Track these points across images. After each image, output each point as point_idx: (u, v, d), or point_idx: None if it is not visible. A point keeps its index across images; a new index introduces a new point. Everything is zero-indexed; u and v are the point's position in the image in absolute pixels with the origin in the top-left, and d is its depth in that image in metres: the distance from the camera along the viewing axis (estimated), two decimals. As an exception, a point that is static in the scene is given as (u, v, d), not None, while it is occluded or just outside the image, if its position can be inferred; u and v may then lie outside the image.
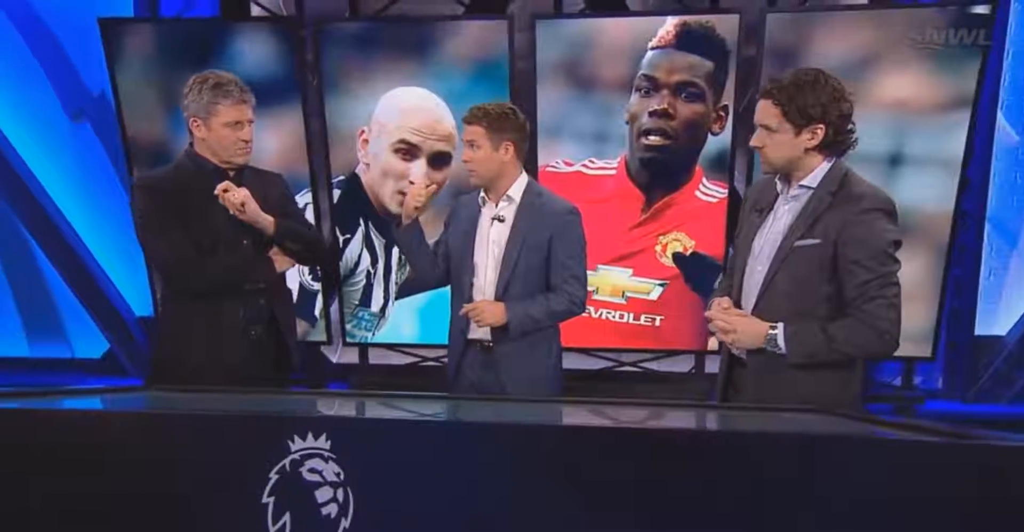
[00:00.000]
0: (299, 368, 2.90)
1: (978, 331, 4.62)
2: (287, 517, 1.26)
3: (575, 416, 1.89)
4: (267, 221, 2.65)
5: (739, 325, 2.18)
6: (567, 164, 4.43)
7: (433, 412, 1.89)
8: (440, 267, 2.90)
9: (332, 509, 1.24)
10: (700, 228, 4.42)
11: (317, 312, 4.68)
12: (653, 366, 4.78)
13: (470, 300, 2.81)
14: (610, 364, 4.82)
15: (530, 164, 4.41)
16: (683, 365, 4.77)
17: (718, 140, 4.32)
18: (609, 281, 4.51)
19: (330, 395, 2.56)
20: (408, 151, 4.43)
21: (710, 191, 4.38)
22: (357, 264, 4.57)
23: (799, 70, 2.21)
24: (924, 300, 4.31)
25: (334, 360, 5.03)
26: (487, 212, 2.84)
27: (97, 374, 5.05)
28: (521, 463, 1.29)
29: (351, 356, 4.92)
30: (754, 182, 2.46)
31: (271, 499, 1.26)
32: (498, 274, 2.77)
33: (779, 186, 2.27)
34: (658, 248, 4.45)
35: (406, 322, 4.67)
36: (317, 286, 4.64)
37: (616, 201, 4.42)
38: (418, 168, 4.45)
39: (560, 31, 4.28)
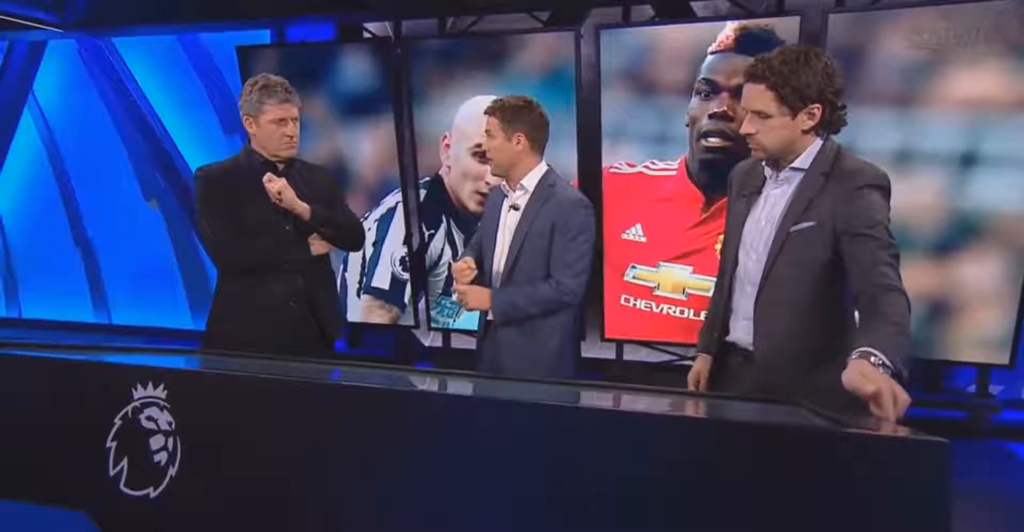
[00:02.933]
0: (335, 340, 2.85)
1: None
2: (124, 462, 1.19)
3: (466, 388, 1.67)
4: (303, 208, 2.63)
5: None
6: (629, 165, 4.16)
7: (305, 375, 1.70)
8: None
9: (163, 457, 1.15)
10: (760, 227, 4.01)
11: (406, 299, 4.69)
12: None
13: (488, 284, 2.67)
14: (673, 358, 4.48)
15: (594, 165, 4.21)
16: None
17: (778, 141, 3.90)
18: (671, 278, 4.20)
19: (339, 362, 2.43)
20: (484, 155, 4.31)
21: (770, 191, 3.96)
22: (440, 257, 4.53)
23: (786, 49, 1.80)
24: (1001, 305, 3.69)
25: (426, 343, 5.02)
26: (507, 201, 2.69)
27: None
28: (356, 424, 1.13)
29: (437, 340, 4.89)
30: (735, 167, 2.09)
31: (113, 444, 1.19)
32: (505, 259, 2.60)
33: (767, 170, 1.90)
34: (718, 247, 4.08)
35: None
36: (406, 276, 4.65)
37: (677, 201, 4.11)
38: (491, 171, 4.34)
39: (623, 40, 4.04)
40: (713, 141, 3.94)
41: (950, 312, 3.77)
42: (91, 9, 4.90)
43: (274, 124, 2.62)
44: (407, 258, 4.58)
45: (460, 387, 1.72)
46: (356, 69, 4.49)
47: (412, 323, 4.74)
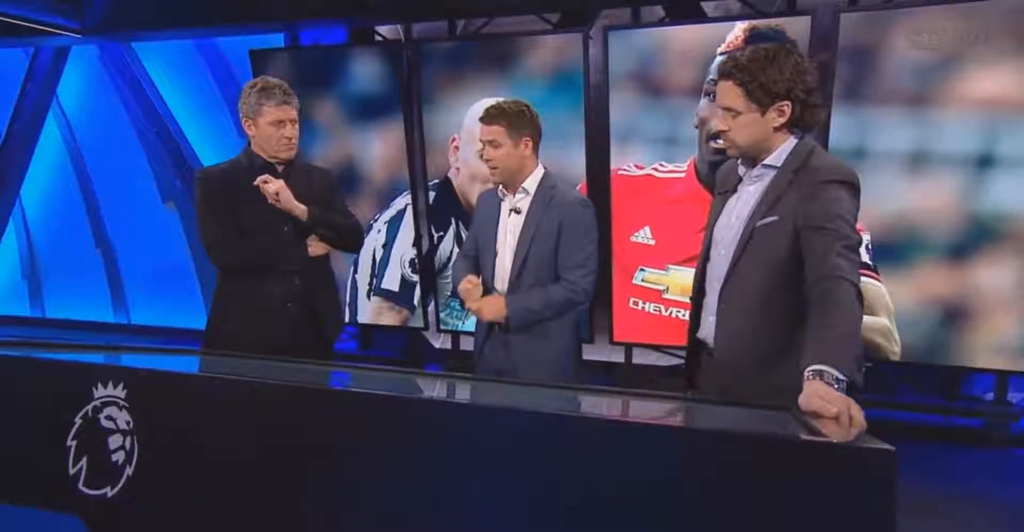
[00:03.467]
0: (334, 341, 2.85)
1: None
2: (84, 461, 1.17)
3: (431, 388, 1.64)
4: (301, 209, 2.62)
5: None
6: (638, 167, 4.11)
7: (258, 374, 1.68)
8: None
9: (120, 456, 1.14)
10: (770, 230, 3.93)
11: (416, 301, 4.67)
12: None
13: (491, 289, 2.64)
14: (683, 362, 4.41)
15: (602, 167, 4.17)
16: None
17: (789, 143, 3.83)
18: (679, 281, 4.13)
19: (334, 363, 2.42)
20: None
21: (780, 194, 3.88)
22: (449, 258, 4.52)
23: (758, 47, 1.79)
24: (1020, 310, 3.58)
25: (436, 345, 5.00)
26: (506, 205, 2.66)
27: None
28: (316, 425, 1.11)
29: (447, 342, 4.87)
30: (722, 166, 2.06)
31: (73, 443, 1.18)
32: (511, 262, 2.57)
33: (741, 168, 1.88)
34: (727, 249, 4.02)
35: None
36: (416, 278, 4.64)
37: (686, 203, 4.05)
38: (501, 172, 4.32)
39: (631, 41, 3.99)
40: (722, 143, 3.84)
41: (967, 317, 3.66)
42: (109, 14, 4.97)
43: (272, 126, 2.62)
44: (416, 260, 4.57)
45: (430, 388, 1.69)
46: (366, 72, 4.49)
47: (422, 325, 4.72)
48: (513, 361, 2.55)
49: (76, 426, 1.20)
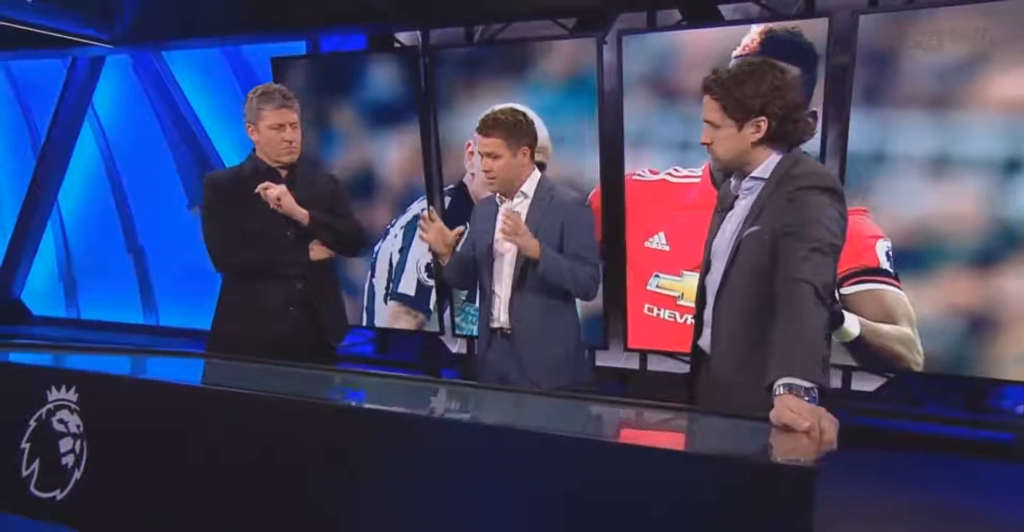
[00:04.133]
0: (337, 345, 2.85)
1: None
2: (36, 464, 1.18)
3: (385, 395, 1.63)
4: (302, 214, 2.63)
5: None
6: (652, 173, 4.05)
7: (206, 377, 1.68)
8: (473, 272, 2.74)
9: (70, 459, 1.15)
10: (786, 236, 3.84)
11: (432, 306, 4.68)
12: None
13: (491, 294, 2.62)
14: (698, 369, 4.33)
15: (616, 172, 4.12)
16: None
17: (806, 147, 3.72)
18: (694, 287, 4.04)
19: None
20: (506, 163, 4.29)
21: (797, 199, 3.79)
22: (464, 264, 4.51)
23: (743, 61, 1.81)
24: (1049, 320, 3.43)
25: (453, 350, 5.00)
26: (502, 208, 2.64)
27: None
28: (259, 431, 1.10)
29: (464, 347, 4.86)
30: (722, 185, 2.05)
31: (27, 445, 1.19)
32: (513, 265, 2.55)
33: (733, 183, 1.90)
34: (743, 256, 3.93)
35: (505, 318, 4.52)
36: (432, 283, 4.64)
37: (701, 208, 3.95)
38: (516, 177, 4.31)
39: (645, 45, 3.94)
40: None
41: (994, 327, 3.52)
42: (138, 25, 5.09)
43: (273, 129, 2.64)
44: (432, 265, 4.57)
45: (407, 394, 1.68)
46: (384, 78, 4.52)
47: (437, 329, 4.72)
48: (519, 364, 2.53)
49: (31, 429, 1.21)
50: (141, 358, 2.01)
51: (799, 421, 1.32)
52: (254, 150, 2.75)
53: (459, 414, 1.46)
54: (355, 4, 4.32)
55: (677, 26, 4.10)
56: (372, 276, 4.79)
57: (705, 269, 1.93)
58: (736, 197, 1.87)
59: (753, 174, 1.81)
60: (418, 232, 2.54)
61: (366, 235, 2.89)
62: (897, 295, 3.70)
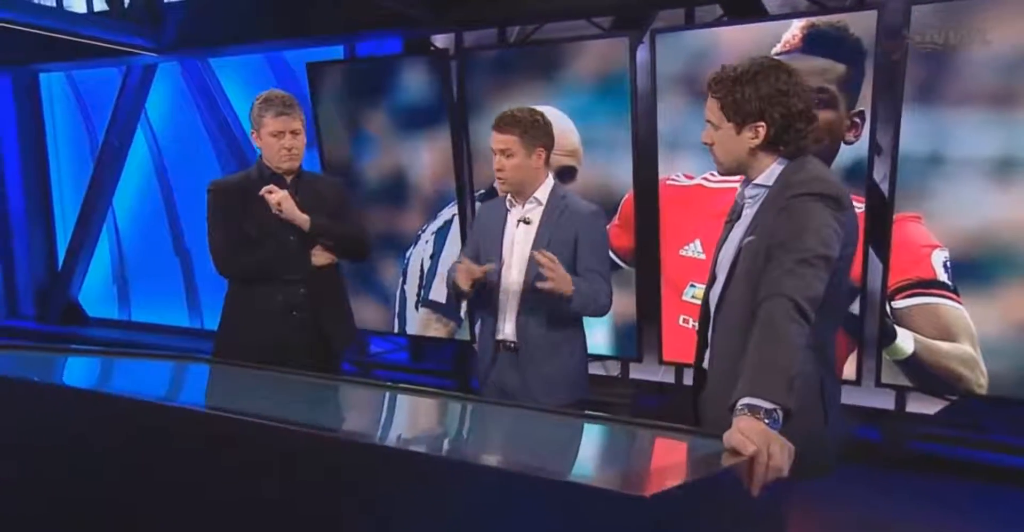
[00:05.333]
0: (343, 352, 2.86)
1: None
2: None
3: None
4: (303, 219, 2.65)
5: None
6: (687, 177, 3.91)
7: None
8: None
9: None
10: (832, 245, 3.64)
11: (463, 313, 4.64)
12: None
13: (496, 302, 2.57)
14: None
15: (650, 177, 4.00)
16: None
17: (853, 150, 3.54)
18: (733, 298, 3.89)
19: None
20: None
21: (843, 205, 3.59)
22: (494, 271, 4.46)
23: (753, 60, 1.70)
24: None
25: (486, 358, 4.95)
26: (514, 215, 2.59)
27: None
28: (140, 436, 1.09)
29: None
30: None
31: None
32: (523, 274, 2.50)
33: (739, 191, 1.81)
34: (784, 266, 3.74)
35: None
36: (463, 290, 4.61)
37: (739, 215, 3.81)
38: (546, 182, 4.24)
39: (679, 44, 3.80)
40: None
41: (1064, 346, 3.24)
42: (182, 33, 5.25)
43: (273, 137, 2.67)
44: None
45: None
46: (415, 82, 4.52)
47: (468, 338, 4.68)
48: (523, 378, 2.47)
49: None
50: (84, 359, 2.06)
51: (746, 445, 1.28)
52: (261, 156, 2.79)
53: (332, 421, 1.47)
54: (389, 9, 4.34)
55: (718, 22, 3.95)
56: (404, 282, 4.79)
57: (710, 283, 1.85)
58: (743, 206, 1.79)
59: (757, 181, 1.73)
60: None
61: (369, 240, 2.89)
62: (956, 310, 3.46)
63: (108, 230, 6.70)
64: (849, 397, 3.86)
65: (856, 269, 3.60)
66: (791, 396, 1.37)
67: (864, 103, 3.45)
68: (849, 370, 3.70)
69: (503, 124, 2.44)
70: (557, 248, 2.39)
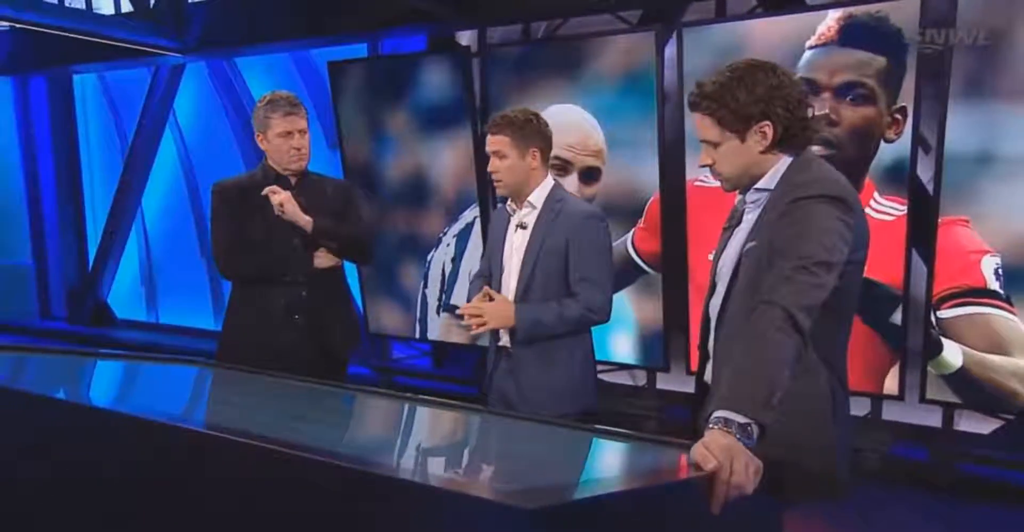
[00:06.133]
0: (344, 356, 2.85)
1: None
2: None
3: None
4: (305, 221, 2.66)
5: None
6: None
7: None
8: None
9: None
10: (871, 250, 3.48)
11: (485, 319, 4.61)
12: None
13: None
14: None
15: (677, 177, 3.92)
16: (857, 407, 3.81)
17: (893, 148, 3.41)
18: (766, 306, 3.78)
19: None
20: (562, 167, 4.18)
21: (884, 207, 3.46)
22: (517, 275, 4.42)
23: (725, 68, 1.66)
24: None
25: (509, 366, 4.91)
26: (514, 220, 2.56)
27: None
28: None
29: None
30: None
31: None
32: (517, 279, 2.46)
33: (739, 197, 1.76)
34: (820, 272, 3.62)
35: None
36: (485, 294, 4.58)
37: (772, 218, 3.70)
38: (570, 184, 4.18)
39: (708, 38, 3.72)
40: (814, 150, 3.50)
41: None
42: (206, 33, 5.35)
43: (281, 137, 2.69)
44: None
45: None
46: (437, 81, 4.51)
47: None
48: (519, 389, 2.43)
49: None
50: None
51: (707, 460, 1.26)
52: (266, 158, 2.80)
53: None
54: (412, 6, 4.35)
55: (751, 14, 3.85)
56: (425, 286, 4.79)
57: (710, 292, 1.81)
58: (743, 212, 1.74)
59: (758, 185, 1.68)
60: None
61: (372, 243, 2.90)
62: (1009, 321, 3.30)
63: (137, 231, 6.88)
64: (892, 413, 3.73)
65: (898, 276, 3.47)
66: (769, 411, 1.34)
67: (906, 98, 3.32)
68: (891, 384, 3.56)
69: (495, 125, 2.42)
70: (548, 254, 2.37)
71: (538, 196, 2.45)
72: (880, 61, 3.33)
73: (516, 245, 2.49)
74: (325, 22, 4.95)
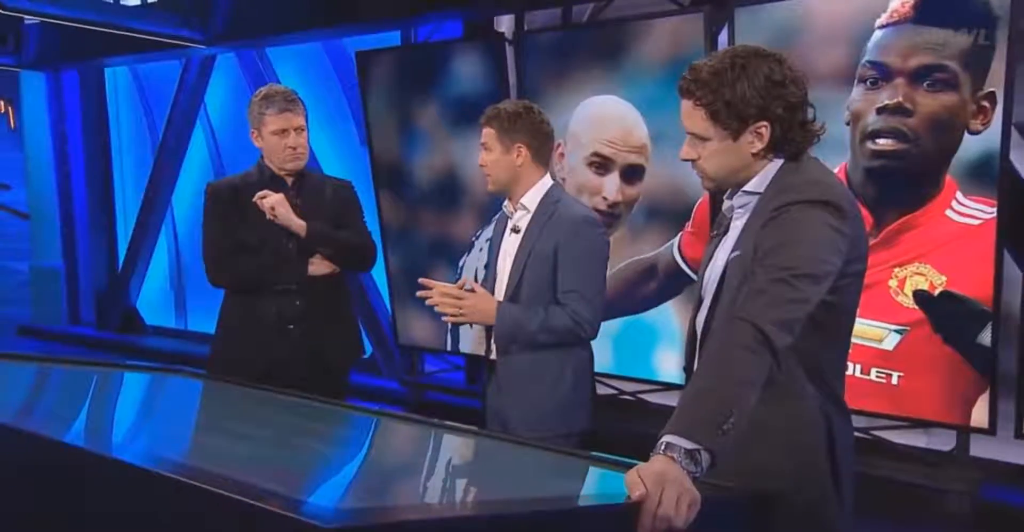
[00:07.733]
0: (343, 368, 2.84)
1: None
2: None
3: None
4: (298, 225, 2.65)
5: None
6: (774, 177, 3.65)
7: None
8: None
9: None
10: (953, 259, 3.30)
11: (520, 331, 4.54)
12: (897, 438, 3.67)
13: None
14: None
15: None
16: (940, 441, 3.59)
17: (979, 140, 3.19)
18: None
19: None
20: (602, 165, 4.09)
21: (968, 210, 3.25)
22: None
23: (724, 54, 1.57)
24: None
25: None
26: (509, 223, 2.54)
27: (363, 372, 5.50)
28: None
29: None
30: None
31: None
32: (505, 286, 2.43)
33: (726, 203, 1.68)
34: (893, 283, 3.43)
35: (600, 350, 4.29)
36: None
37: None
38: (611, 183, 4.09)
39: (763, 18, 3.57)
40: (884, 143, 3.34)
41: None
42: (231, 23, 5.45)
43: (276, 135, 2.69)
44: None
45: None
46: (469, 71, 4.47)
47: (525, 359, 4.57)
48: (507, 406, 2.40)
49: None
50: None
51: (635, 487, 1.23)
52: (262, 157, 2.81)
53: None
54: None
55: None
56: (456, 295, 4.74)
57: (696, 306, 1.75)
58: (731, 218, 1.67)
59: (746, 188, 1.61)
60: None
61: (373, 250, 2.88)
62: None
63: (166, 234, 7.05)
64: (981, 449, 3.49)
65: (986, 289, 3.24)
66: (722, 437, 1.29)
67: (995, 83, 3.10)
68: (979, 415, 3.34)
69: (485, 117, 2.42)
70: (537, 261, 2.33)
71: (532, 198, 2.43)
72: (963, 40, 3.12)
73: (508, 250, 2.49)
74: (354, 8, 4.97)
